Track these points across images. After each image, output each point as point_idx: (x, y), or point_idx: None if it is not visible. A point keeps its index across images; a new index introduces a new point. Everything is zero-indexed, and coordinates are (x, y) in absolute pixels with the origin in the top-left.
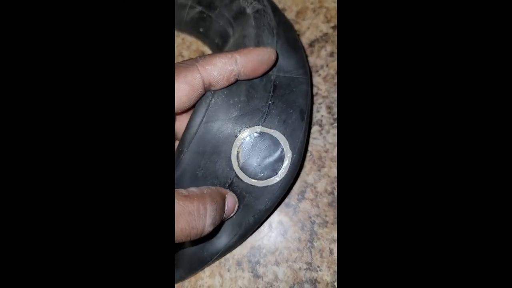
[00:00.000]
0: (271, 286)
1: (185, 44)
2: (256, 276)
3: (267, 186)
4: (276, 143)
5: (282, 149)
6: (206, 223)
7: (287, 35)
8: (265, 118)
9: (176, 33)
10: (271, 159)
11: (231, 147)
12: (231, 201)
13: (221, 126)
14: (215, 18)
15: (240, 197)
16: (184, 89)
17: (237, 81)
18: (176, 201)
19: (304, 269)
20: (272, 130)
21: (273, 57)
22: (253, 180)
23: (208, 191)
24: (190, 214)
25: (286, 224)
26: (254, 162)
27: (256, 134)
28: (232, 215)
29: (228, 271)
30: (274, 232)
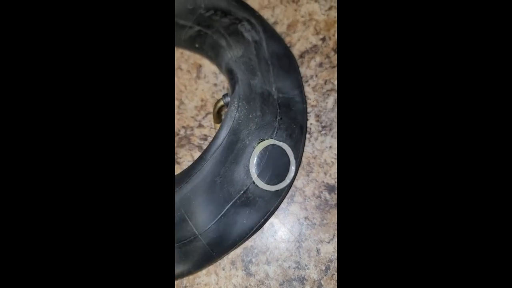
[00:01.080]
0: (263, 283)
1: (183, 57)
2: (249, 274)
3: (277, 190)
4: (284, 153)
5: (289, 159)
6: None
7: (280, 62)
8: (276, 132)
9: (175, 48)
10: (281, 167)
11: (250, 157)
12: None
13: (242, 138)
14: (211, 34)
15: (253, 202)
16: None
17: (254, 97)
18: None
19: (293, 268)
20: (281, 143)
21: None
22: (268, 186)
23: None
24: None
25: (276, 226)
26: (268, 170)
27: (270, 147)
28: None
29: (223, 269)
30: (265, 233)
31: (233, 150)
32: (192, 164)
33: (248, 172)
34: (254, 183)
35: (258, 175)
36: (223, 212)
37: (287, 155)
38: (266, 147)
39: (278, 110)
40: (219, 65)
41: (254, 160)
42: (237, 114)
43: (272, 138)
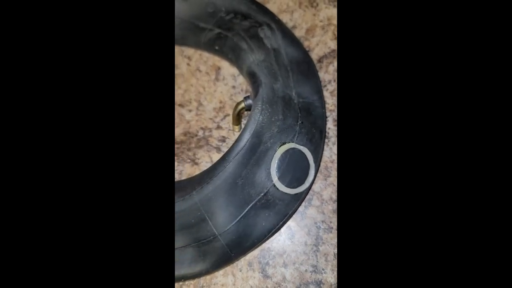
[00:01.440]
0: (279, 286)
1: (202, 59)
2: (266, 276)
3: (296, 194)
4: (304, 157)
5: (308, 162)
6: None
7: (299, 68)
8: (297, 136)
9: (194, 49)
10: (301, 170)
11: (271, 160)
12: None
13: (265, 141)
14: (231, 36)
15: (272, 205)
16: None
17: (276, 100)
18: None
19: (310, 271)
20: (301, 147)
21: None
22: (288, 189)
23: None
24: None
25: (293, 229)
26: (289, 173)
27: (291, 150)
28: None
29: (240, 271)
30: (283, 236)
31: (255, 153)
32: (213, 164)
33: (269, 174)
34: (274, 185)
35: (279, 178)
36: (243, 214)
37: (307, 159)
38: (287, 151)
39: (299, 114)
40: (239, 68)
41: (275, 163)
42: (261, 117)
43: (293, 142)
